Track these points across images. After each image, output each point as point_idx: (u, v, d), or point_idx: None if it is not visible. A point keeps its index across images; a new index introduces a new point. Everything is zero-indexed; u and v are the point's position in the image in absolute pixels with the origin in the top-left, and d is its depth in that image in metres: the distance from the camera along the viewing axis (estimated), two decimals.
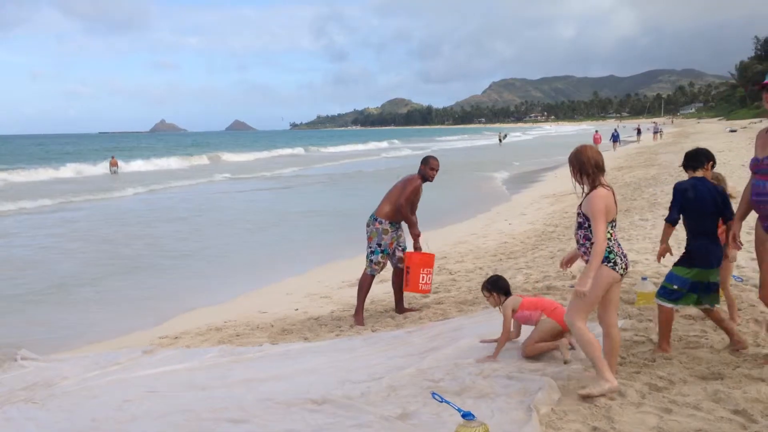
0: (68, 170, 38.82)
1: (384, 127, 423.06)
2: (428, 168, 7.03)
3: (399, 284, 7.20)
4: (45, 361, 6.25)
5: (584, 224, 4.20)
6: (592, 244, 4.02)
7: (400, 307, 7.28)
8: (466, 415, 3.47)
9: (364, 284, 7.16)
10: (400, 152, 58.18)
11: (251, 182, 30.20)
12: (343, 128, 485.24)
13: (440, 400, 3.83)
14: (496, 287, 5.19)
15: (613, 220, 4.17)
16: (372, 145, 76.01)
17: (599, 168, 4.23)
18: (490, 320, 5.94)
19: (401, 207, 6.96)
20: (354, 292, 8.66)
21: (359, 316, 7.05)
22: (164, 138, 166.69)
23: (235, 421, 4.22)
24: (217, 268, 11.26)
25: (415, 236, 7.06)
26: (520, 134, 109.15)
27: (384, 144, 79.50)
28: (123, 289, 9.79)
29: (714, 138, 40.90)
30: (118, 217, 17.98)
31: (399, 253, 7.12)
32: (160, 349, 6.52)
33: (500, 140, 73.84)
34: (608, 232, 4.10)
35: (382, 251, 7.08)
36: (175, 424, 4.26)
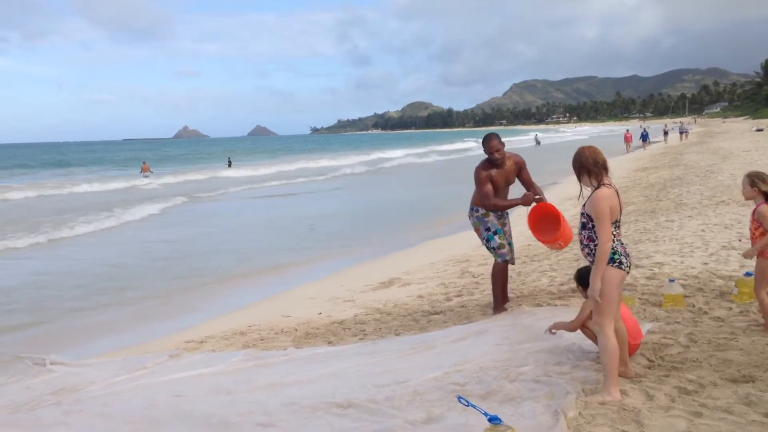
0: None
1: (404, 131, 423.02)
2: (487, 150, 6.53)
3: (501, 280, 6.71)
4: (73, 365, 6.33)
5: (588, 224, 4.14)
6: (596, 245, 3.96)
7: (498, 306, 6.72)
8: (493, 419, 3.44)
9: (497, 275, 6.61)
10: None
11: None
12: (363, 132, 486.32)
13: (466, 404, 3.80)
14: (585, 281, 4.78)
15: (617, 220, 4.08)
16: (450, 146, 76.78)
17: (601, 165, 4.15)
18: (516, 323, 5.91)
19: (485, 204, 6.51)
20: (377, 296, 8.70)
21: (497, 309, 6.66)
22: (196, 144, 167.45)
23: (262, 425, 4.23)
24: (240, 272, 11.41)
25: (527, 200, 6.44)
26: (552, 135, 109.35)
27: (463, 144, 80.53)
28: (149, 293, 9.92)
29: (740, 137, 40.36)
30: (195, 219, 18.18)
31: (509, 239, 6.60)
32: (186, 353, 6.57)
33: (538, 142, 73.07)
34: (612, 233, 4.01)
35: (495, 232, 6.54)
36: (202, 429, 4.28)
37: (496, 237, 6.55)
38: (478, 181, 6.55)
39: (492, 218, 6.60)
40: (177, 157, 71.42)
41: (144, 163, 42.95)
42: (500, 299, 6.72)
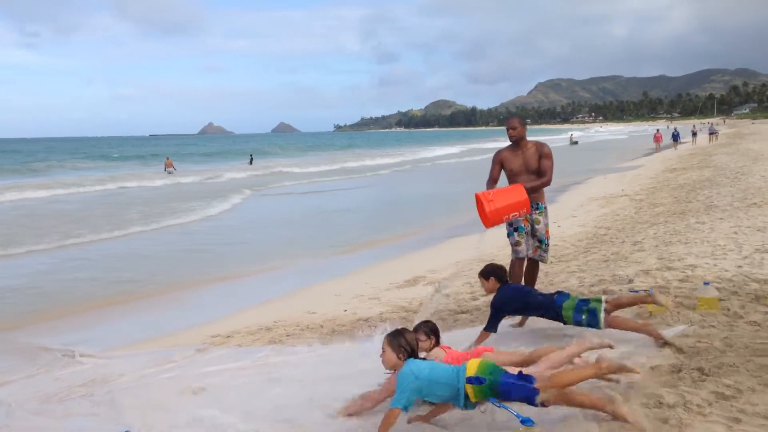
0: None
1: (428, 129, 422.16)
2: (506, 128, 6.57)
3: (529, 279, 6.67)
4: (102, 357, 6.39)
5: None
6: None
7: None
8: (525, 421, 3.39)
9: (510, 270, 6.47)
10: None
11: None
12: (386, 130, 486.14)
13: (498, 405, 3.75)
14: (435, 334, 4.66)
15: None
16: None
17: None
18: (547, 325, 5.83)
19: (487, 186, 6.46)
20: (402, 294, 8.68)
21: None
22: (223, 140, 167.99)
23: (288, 422, 4.22)
24: (264, 266, 11.47)
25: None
26: (590, 134, 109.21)
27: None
28: (177, 286, 10.06)
29: None
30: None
31: (535, 243, 6.54)
32: (213, 347, 6.60)
33: (574, 141, 72.32)
34: None
35: (516, 229, 6.46)
36: (230, 424, 4.28)
37: (515, 234, 6.50)
38: (491, 164, 6.64)
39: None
40: (214, 154, 71.73)
41: (167, 158, 43.29)
42: None
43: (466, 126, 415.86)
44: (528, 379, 3.37)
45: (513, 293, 5.08)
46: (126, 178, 34.66)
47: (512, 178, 6.51)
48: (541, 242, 6.53)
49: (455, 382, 3.49)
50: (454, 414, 3.96)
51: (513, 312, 5.14)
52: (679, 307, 5.74)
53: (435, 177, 34.45)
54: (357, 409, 4.16)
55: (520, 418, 3.42)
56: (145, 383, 5.45)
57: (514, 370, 3.58)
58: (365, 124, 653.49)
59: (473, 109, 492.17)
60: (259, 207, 22.43)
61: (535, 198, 6.36)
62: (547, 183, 6.46)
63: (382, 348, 3.78)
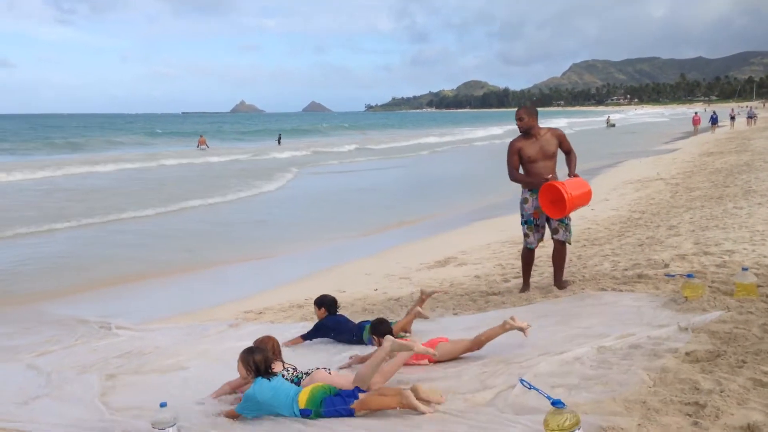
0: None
1: (459, 110, 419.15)
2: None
3: (557, 259, 6.85)
4: (137, 330, 6.52)
5: None
6: None
7: (558, 282, 6.84)
8: (556, 403, 3.37)
9: (522, 258, 6.99)
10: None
11: None
12: (418, 110, 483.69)
13: (529, 386, 3.73)
14: (376, 332, 5.03)
15: None
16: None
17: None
18: (581, 308, 5.79)
19: (510, 177, 6.73)
20: (433, 274, 8.69)
21: (523, 288, 6.96)
22: (256, 118, 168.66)
23: None
24: (297, 244, 11.62)
25: (539, 182, 6.55)
26: (621, 115, 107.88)
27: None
28: (212, 262, 10.28)
29: None
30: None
31: (554, 224, 6.70)
32: (245, 323, 6.69)
33: (611, 124, 71.17)
34: None
35: (526, 221, 6.77)
36: None
37: (525, 226, 6.81)
38: (508, 154, 6.74)
39: (528, 207, 6.76)
40: (251, 132, 72.03)
41: (201, 136, 43.75)
42: (526, 282, 7.01)
43: (498, 107, 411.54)
44: (347, 402, 3.84)
45: (332, 323, 5.69)
46: (171, 155, 35.05)
47: (529, 165, 6.67)
48: (561, 222, 6.69)
49: (290, 413, 3.88)
50: (483, 395, 3.97)
51: (331, 335, 5.69)
52: (716, 293, 5.64)
53: (474, 157, 34.21)
54: (220, 393, 4.43)
55: (551, 400, 3.40)
56: (179, 356, 5.57)
57: (343, 382, 4.13)
58: (396, 104, 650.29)
59: (506, 90, 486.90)
60: (302, 186, 22.42)
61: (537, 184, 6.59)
62: (576, 157, 6.79)
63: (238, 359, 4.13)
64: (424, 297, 6.02)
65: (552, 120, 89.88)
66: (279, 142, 49.12)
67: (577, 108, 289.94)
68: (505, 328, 4.71)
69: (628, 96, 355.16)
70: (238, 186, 20.66)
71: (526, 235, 6.83)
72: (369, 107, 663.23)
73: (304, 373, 4.36)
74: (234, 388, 4.38)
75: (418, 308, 5.66)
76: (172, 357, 5.61)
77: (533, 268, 7.74)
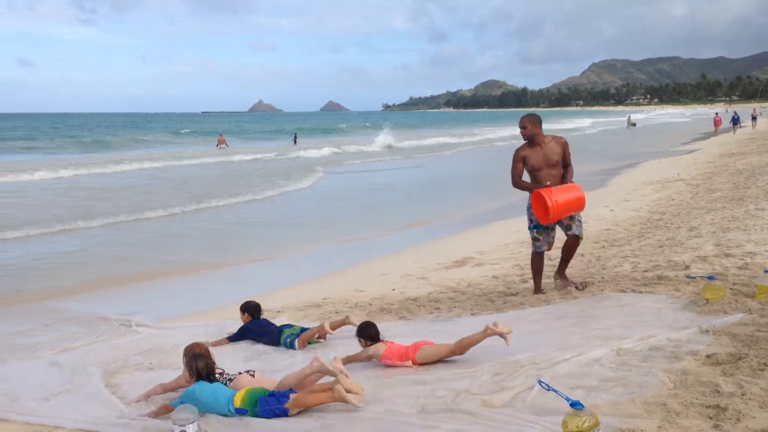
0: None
1: (477, 110, 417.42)
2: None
3: (567, 251, 6.95)
4: (157, 327, 6.58)
5: None
6: None
7: (561, 272, 7.03)
8: (575, 405, 3.35)
9: (532, 263, 7.05)
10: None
11: None
12: (435, 110, 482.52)
13: (547, 388, 3.72)
14: (363, 334, 5.08)
15: None
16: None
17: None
18: (599, 309, 5.75)
19: (512, 183, 6.84)
20: (451, 274, 8.67)
21: (535, 292, 6.99)
22: (272, 118, 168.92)
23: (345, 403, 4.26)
24: (315, 244, 11.70)
25: (535, 188, 6.64)
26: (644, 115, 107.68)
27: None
28: (231, 260, 10.38)
29: None
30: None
31: (566, 221, 6.75)
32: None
33: (632, 123, 70.41)
34: None
35: (535, 226, 6.82)
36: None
37: (534, 230, 6.87)
38: (512, 162, 6.82)
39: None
40: (273, 131, 72.16)
41: (221, 135, 44.03)
42: (537, 285, 7.02)
43: (516, 107, 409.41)
44: (281, 402, 4.05)
45: (255, 327, 5.97)
46: (196, 154, 35.22)
47: (534, 174, 6.76)
48: (572, 218, 6.74)
49: (227, 411, 4.11)
50: (500, 396, 3.96)
51: (254, 338, 5.94)
52: (737, 295, 5.58)
53: (495, 157, 34.04)
54: (151, 393, 4.63)
55: (570, 401, 3.39)
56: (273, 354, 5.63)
57: (272, 385, 4.37)
58: (414, 103, 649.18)
59: (524, 90, 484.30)
60: (324, 186, 22.34)
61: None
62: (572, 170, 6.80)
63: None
64: (342, 322, 5.97)
65: (574, 120, 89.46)
66: (295, 142, 48.65)
67: (596, 108, 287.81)
68: (486, 333, 4.72)
69: (648, 96, 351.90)
70: (260, 185, 20.65)
71: (535, 239, 6.89)
72: (386, 107, 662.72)
73: (228, 379, 4.52)
74: (166, 390, 4.62)
75: (328, 326, 5.79)
76: (267, 353, 5.72)
77: (552, 268, 7.71)
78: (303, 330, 5.82)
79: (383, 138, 45.70)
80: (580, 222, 6.82)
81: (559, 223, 6.76)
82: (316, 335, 5.77)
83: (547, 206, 6.33)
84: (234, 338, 5.97)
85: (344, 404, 4.09)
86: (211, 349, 4.79)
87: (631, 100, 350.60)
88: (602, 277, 7.15)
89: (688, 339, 4.61)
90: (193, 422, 3.88)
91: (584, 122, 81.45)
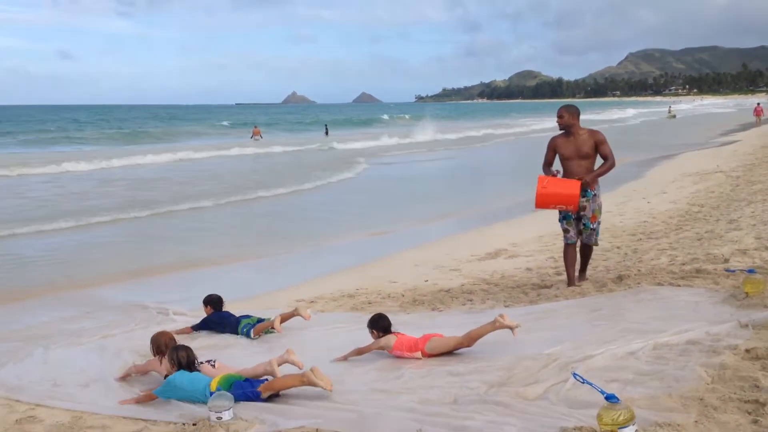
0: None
1: (511, 101, 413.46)
2: None
3: (582, 256, 7.10)
4: (193, 316, 6.69)
5: None
6: None
7: (581, 276, 7.13)
8: (610, 398, 3.33)
9: (564, 255, 7.08)
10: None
11: None
12: (468, 101, 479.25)
13: (582, 381, 3.69)
14: (376, 326, 5.14)
15: None
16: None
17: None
18: (636, 302, 5.69)
19: (543, 169, 6.95)
20: (484, 266, 8.65)
21: (569, 284, 7.01)
22: (306, 109, 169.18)
23: (376, 391, 4.30)
24: (350, 234, 11.80)
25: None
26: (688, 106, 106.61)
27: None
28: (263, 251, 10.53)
29: None
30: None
31: (580, 226, 6.89)
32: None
33: (672, 115, 68.69)
34: None
35: (564, 217, 6.93)
36: (316, 391, 4.39)
37: (563, 221, 6.95)
38: (546, 149, 7.02)
39: None
40: (311, 123, 72.10)
41: (255, 127, 44.33)
42: (570, 277, 7.00)
43: (551, 98, 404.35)
44: (254, 385, 4.27)
45: (216, 318, 6.24)
46: (240, 145, 35.24)
47: (564, 163, 6.88)
48: (585, 226, 6.87)
49: (203, 397, 4.24)
50: (534, 389, 3.94)
51: (216, 328, 6.19)
52: None
53: (532, 148, 33.76)
54: (126, 375, 4.95)
55: (605, 395, 3.36)
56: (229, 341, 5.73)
57: (249, 373, 4.50)
58: (447, 95, 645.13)
59: (559, 80, 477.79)
60: (363, 178, 22.25)
61: (584, 184, 6.69)
62: (612, 165, 6.81)
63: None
64: (293, 314, 6.13)
65: (614, 110, 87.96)
66: (326, 133, 48.48)
67: (633, 98, 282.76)
68: (495, 325, 4.78)
69: (687, 86, 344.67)
70: (300, 177, 20.55)
71: (565, 231, 6.95)
72: (419, 98, 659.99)
73: None
74: (139, 371, 4.95)
75: (278, 322, 5.97)
76: (226, 342, 5.84)
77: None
78: (260, 320, 6.05)
79: (424, 129, 45.38)
80: (594, 230, 6.91)
81: (578, 227, 6.89)
82: (271, 326, 5.98)
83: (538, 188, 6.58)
84: (197, 327, 6.24)
85: (382, 394, 4.13)
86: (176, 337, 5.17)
87: (670, 90, 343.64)
88: (639, 270, 7.07)
89: (727, 333, 4.54)
90: (229, 409, 3.96)
91: (627, 113, 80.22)
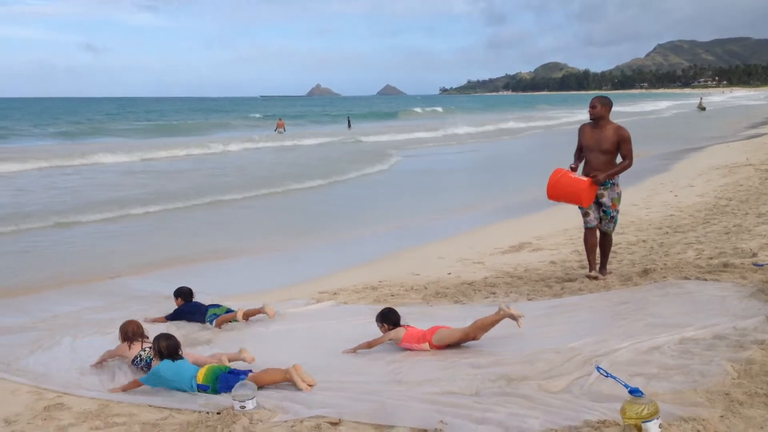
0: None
1: (536, 93, 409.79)
2: None
3: (602, 246, 7.11)
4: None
5: None
6: None
7: (602, 269, 7.11)
8: (634, 392, 3.31)
9: (585, 240, 7.16)
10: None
11: None
12: (493, 93, 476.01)
13: (605, 374, 3.68)
14: (386, 320, 5.19)
15: None
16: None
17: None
18: (662, 297, 5.63)
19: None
20: (507, 259, 8.61)
21: (589, 270, 7.12)
22: (339, 102, 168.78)
23: (399, 383, 4.31)
24: (373, 226, 11.83)
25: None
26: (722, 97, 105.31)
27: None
28: (293, 242, 10.70)
29: None
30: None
31: (604, 208, 6.93)
32: (319, 304, 6.83)
33: (702, 107, 67.33)
34: None
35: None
36: (338, 381, 4.43)
37: (583, 209, 7.02)
38: None
39: None
40: (333, 115, 71.94)
41: (279, 119, 44.50)
42: (591, 263, 7.09)
43: (577, 90, 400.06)
44: (239, 379, 4.31)
45: (187, 308, 6.49)
46: (271, 138, 35.50)
47: (585, 153, 7.01)
48: (605, 213, 6.94)
49: (189, 388, 4.44)
50: (557, 382, 3.93)
51: (188, 318, 6.41)
52: None
53: (561, 141, 33.47)
54: (101, 360, 5.19)
55: (629, 388, 3.34)
56: (257, 332, 5.86)
57: (191, 359, 4.78)
58: (471, 87, 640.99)
59: (585, 72, 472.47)
60: (393, 171, 22.11)
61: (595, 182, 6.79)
62: (628, 166, 6.83)
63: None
64: (257, 311, 6.30)
65: (648, 102, 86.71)
66: (349, 126, 48.17)
67: (661, 90, 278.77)
68: (499, 315, 4.85)
69: (717, 78, 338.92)
70: (333, 170, 20.33)
71: (585, 215, 6.99)
72: (443, 90, 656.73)
73: (151, 356, 4.92)
74: (111, 356, 5.18)
75: (241, 315, 6.19)
76: (249, 332, 5.94)
77: (613, 254, 7.61)
78: (228, 311, 6.29)
79: (455, 121, 45.05)
80: (613, 218, 6.96)
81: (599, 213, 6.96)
82: (234, 318, 6.20)
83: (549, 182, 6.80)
84: (171, 317, 6.47)
85: (402, 385, 4.17)
86: (146, 324, 5.59)
87: (699, 82, 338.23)
88: (665, 264, 7.00)
89: (755, 328, 4.49)
90: (252, 398, 4.00)
91: (660, 105, 79.29)
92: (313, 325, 6.01)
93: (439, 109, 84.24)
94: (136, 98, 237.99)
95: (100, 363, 5.17)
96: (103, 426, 4.05)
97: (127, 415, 4.21)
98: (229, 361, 5.75)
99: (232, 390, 4.10)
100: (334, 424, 3.74)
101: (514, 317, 4.79)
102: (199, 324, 6.31)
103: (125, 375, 4.95)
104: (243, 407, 3.98)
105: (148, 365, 4.88)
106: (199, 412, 4.12)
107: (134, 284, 8.15)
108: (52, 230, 11.64)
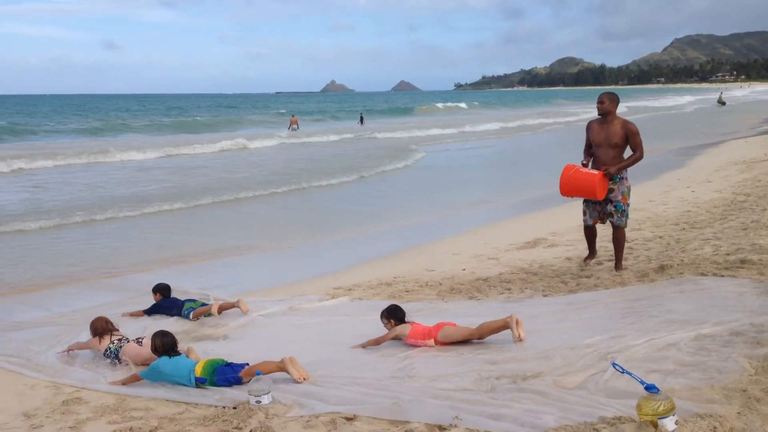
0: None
1: (552, 88, 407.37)
2: None
3: (614, 242, 7.15)
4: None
5: None
6: None
7: (618, 265, 7.12)
8: (650, 388, 3.29)
9: (584, 233, 7.46)
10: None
11: None
12: (509, 89, 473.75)
13: (621, 370, 3.66)
14: (393, 316, 5.22)
15: None
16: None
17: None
18: (679, 293, 5.59)
19: None
20: (522, 255, 8.59)
21: (588, 256, 7.49)
22: (353, 98, 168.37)
23: (413, 378, 4.32)
24: (388, 223, 11.86)
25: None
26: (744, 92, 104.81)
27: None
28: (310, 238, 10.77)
29: None
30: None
31: (608, 208, 7.00)
32: (333, 300, 6.85)
33: (722, 102, 65.95)
34: None
35: (583, 200, 7.17)
36: (352, 377, 4.44)
37: (583, 203, 7.20)
38: None
39: None
40: (347, 111, 71.98)
41: (293, 116, 44.54)
42: (590, 251, 7.47)
43: (593, 85, 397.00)
44: (236, 370, 4.48)
45: (166, 303, 6.69)
46: (295, 134, 35.72)
47: (594, 149, 7.07)
48: (616, 207, 6.99)
49: (188, 381, 4.54)
50: (573, 378, 3.92)
51: (165, 312, 6.60)
52: None
53: (577, 137, 33.30)
54: (71, 348, 5.46)
55: (645, 385, 3.33)
56: (271, 327, 5.84)
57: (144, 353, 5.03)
58: (486, 82, 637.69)
59: (602, 67, 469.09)
60: (424, 165, 22.12)
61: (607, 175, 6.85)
62: (640, 158, 6.94)
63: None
64: (232, 305, 6.44)
65: (665, 98, 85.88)
66: (361, 123, 47.62)
67: (678, 85, 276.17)
68: (506, 322, 4.86)
69: (735, 72, 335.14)
70: (352, 167, 20.24)
71: (583, 213, 7.22)
72: (458, 86, 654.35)
73: (119, 347, 5.22)
74: (81, 348, 5.44)
75: (215, 309, 6.38)
76: (263, 327, 5.95)
77: (629, 250, 7.59)
78: (203, 305, 6.50)
79: (476, 117, 44.84)
80: (624, 212, 6.98)
81: (606, 212, 7.03)
82: (209, 312, 6.39)
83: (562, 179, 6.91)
84: (149, 312, 6.67)
85: (417, 381, 4.20)
86: (124, 318, 6.06)
87: (716, 77, 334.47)
88: (681, 260, 6.95)
89: None
90: (268, 393, 4.03)
91: (682, 99, 78.81)
92: (327, 320, 6.03)
93: (463, 105, 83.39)
94: (154, 95, 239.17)
95: (67, 351, 5.43)
96: (121, 420, 4.10)
97: (144, 409, 4.26)
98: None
99: (248, 384, 4.14)
100: (350, 419, 3.76)
101: (515, 336, 4.80)
102: (177, 317, 6.50)
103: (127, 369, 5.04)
104: (259, 402, 4.02)
105: (116, 356, 5.16)
106: (216, 406, 4.16)
107: (151, 280, 8.20)
108: (75, 227, 11.75)
